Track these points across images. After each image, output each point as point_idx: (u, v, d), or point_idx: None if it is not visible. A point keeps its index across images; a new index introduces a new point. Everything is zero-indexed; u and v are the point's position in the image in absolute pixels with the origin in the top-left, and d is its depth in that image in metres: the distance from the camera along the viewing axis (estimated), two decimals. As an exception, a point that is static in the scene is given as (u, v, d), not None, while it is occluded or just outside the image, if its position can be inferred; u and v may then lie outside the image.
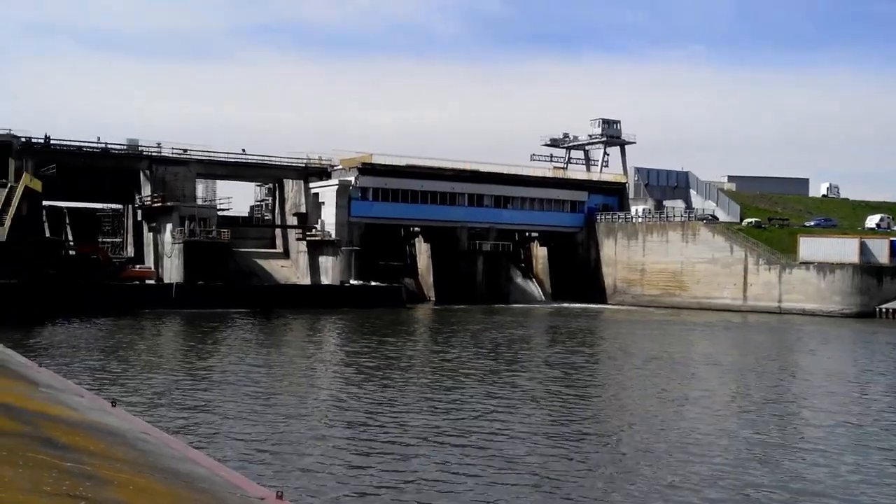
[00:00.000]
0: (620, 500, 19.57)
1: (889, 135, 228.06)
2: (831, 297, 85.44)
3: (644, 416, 29.68)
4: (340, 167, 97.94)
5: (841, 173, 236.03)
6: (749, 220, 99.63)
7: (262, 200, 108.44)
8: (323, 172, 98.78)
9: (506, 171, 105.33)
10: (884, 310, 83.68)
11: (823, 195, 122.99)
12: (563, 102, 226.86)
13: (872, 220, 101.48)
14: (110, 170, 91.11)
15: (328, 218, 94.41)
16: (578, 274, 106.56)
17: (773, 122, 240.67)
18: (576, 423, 28.03)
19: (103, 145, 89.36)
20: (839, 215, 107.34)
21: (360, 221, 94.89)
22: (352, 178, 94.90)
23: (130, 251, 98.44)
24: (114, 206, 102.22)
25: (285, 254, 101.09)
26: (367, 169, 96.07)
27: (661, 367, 43.43)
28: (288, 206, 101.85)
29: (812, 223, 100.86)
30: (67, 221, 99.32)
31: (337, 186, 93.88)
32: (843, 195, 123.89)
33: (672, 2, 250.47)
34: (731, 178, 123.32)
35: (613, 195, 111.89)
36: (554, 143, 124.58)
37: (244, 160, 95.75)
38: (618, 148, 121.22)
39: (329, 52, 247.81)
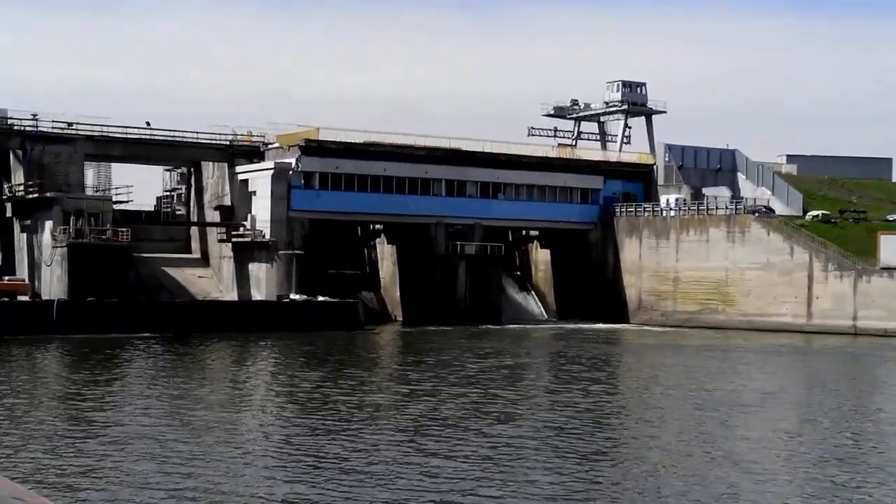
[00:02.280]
0: None
1: None
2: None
3: None
4: (277, 145, 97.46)
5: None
6: (814, 212, 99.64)
7: (174, 190, 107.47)
8: (254, 153, 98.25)
9: (496, 149, 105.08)
10: None
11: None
12: (572, 60, 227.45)
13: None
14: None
15: (261, 212, 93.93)
16: (591, 285, 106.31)
17: (847, 86, 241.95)
18: None
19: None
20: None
21: (304, 217, 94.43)
22: (292, 160, 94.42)
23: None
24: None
25: (204, 260, 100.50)
26: (313, 148, 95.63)
27: (707, 422, 42.91)
28: (207, 198, 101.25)
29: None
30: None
31: (272, 171, 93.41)
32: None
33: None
34: (790, 159, 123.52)
35: (637, 181, 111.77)
36: (559, 113, 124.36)
37: (149, 137, 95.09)
38: (642, 119, 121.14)
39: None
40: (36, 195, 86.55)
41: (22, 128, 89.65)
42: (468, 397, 45.72)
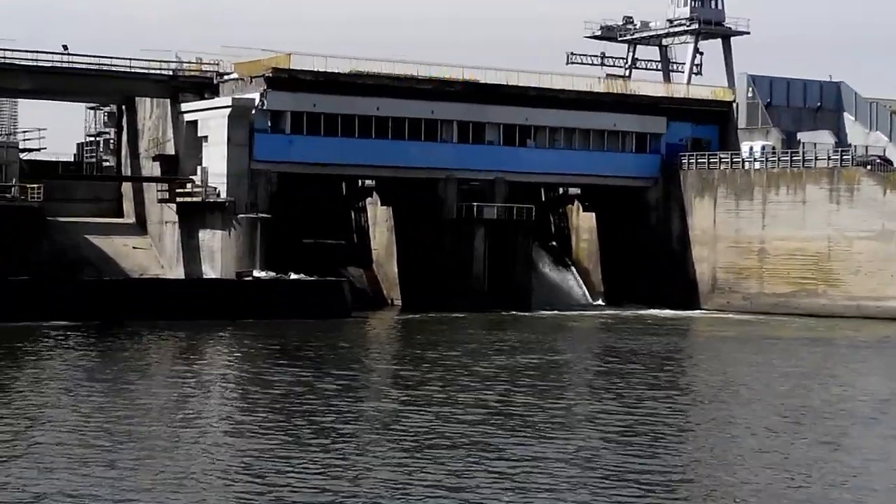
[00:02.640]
0: None
1: None
2: None
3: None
4: (235, 76, 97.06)
5: None
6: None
7: (100, 134, 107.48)
8: (205, 86, 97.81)
9: (524, 81, 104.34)
10: None
11: None
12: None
13: None
14: None
15: (214, 164, 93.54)
16: (650, 259, 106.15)
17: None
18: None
19: None
20: None
21: (271, 170, 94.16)
22: (255, 96, 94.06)
23: None
24: None
25: (140, 226, 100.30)
26: (283, 79, 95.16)
27: (803, 441, 42.69)
28: (144, 145, 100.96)
29: None
30: None
31: (229, 110, 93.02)
32: None
33: None
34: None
35: (711, 123, 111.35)
36: (608, 35, 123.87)
37: (67, 65, 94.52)
38: (718, 42, 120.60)
39: None
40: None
41: None
42: (484, 406, 45.34)
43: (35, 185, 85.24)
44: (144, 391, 49.25)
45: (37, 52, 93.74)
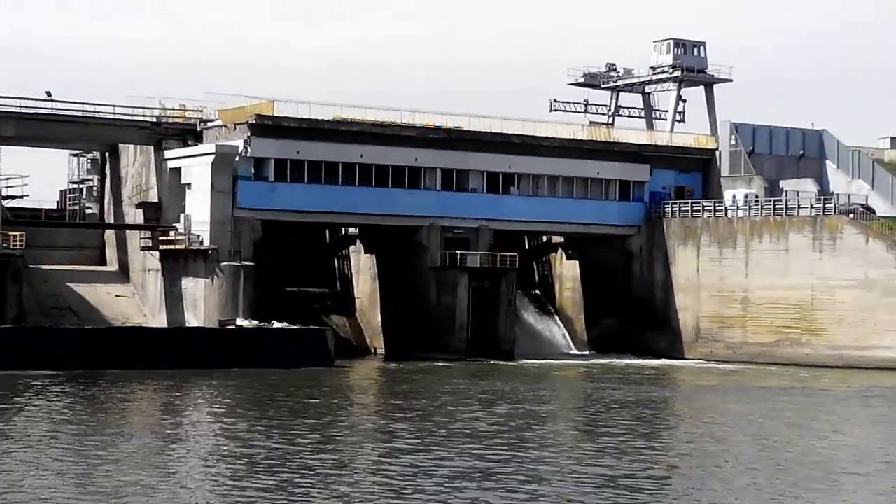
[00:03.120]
0: None
1: None
2: None
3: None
4: (219, 123, 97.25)
5: None
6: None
7: (83, 181, 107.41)
8: (188, 132, 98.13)
9: (507, 128, 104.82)
10: None
11: None
12: (608, 12, 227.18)
13: None
14: None
15: (197, 211, 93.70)
16: (633, 307, 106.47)
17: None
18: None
19: None
20: None
21: (254, 217, 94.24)
22: (239, 143, 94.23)
23: None
24: None
25: (123, 274, 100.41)
26: (267, 126, 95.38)
27: (789, 494, 42.20)
28: (127, 192, 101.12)
29: None
30: None
31: (213, 157, 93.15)
32: None
33: None
34: (895, 143, 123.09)
35: (694, 171, 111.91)
36: (591, 82, 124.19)
37: (51, 112, 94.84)
38: (701, 89, 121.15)
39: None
40: None
41: None
42: (465, 458, 45.06)
43: (17, 233, 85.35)
44: (125, 443, 48.71)
45: (20, 98, 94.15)
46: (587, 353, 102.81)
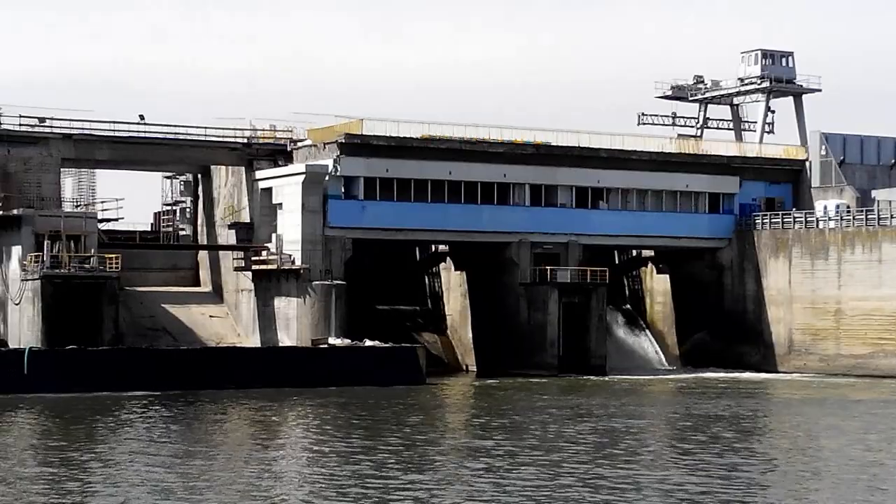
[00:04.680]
0: None
1: None
2: None
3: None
4: (309, 143, 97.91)
5: None
6: None
7: (176, 203, 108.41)
8: (279, 152, 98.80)
9: (596, 142, 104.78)
10: None
11: None
12: (694, 25, 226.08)
13: None
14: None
15: (289, 231, 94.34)
16: (725, 320, 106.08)
17: None
18: None
19: None
20: None
21: (345, 236, 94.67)
22: (328, 162, 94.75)
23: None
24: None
25: (216, 294, 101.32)
26: (356, 145, 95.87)
27: None
28: (219, 213, 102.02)
29: None
30: None
31: (303, 177, 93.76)
32: None
33: None
34: None
35: (784, 181, 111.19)
36: (679, 95, 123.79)
37: (144, 135, 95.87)
38: (790, 100, 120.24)
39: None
40: (0, 213, 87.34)
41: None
42: (558, 473, 45.26)
43: (113, 255, 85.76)
44: (222, 462, 49.47)
45: (114, 122, 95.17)
46: (679, 367, 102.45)
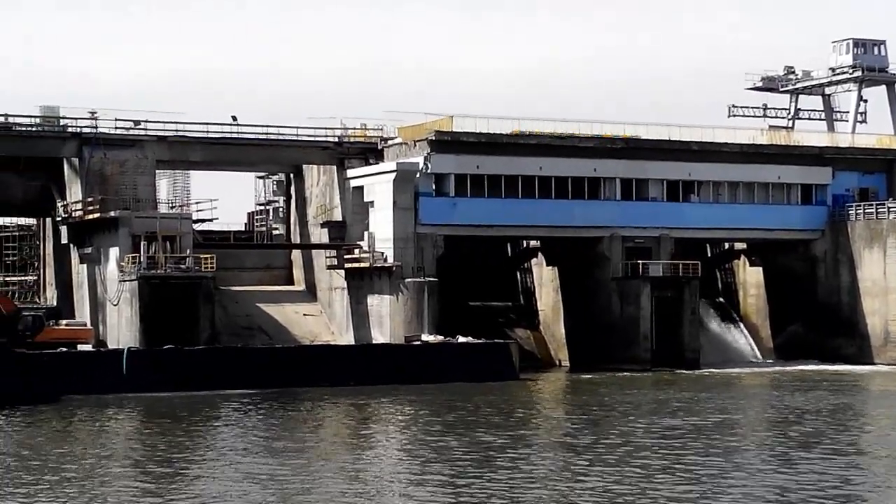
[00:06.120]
0: None
1: None
2: None
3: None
4: (399, 141, 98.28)
5: None
6: None
7: (269, 203, 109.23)
8: (369, 151, 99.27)
9: (686, 135, 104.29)
10: None
11: None
12: (784, 14, 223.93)
13: None
14: (13, 160, 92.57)
15: (381, 229, 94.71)
16: (819, 312, 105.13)
17: None
18: None
19: (1, 118, 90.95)
20: None
21: (436, 233, 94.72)
22: (419, 160, 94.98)
23: (51, 295, 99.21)
24: (22, 220, 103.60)
25: (310, 293, 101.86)
26: (446, 142, 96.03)
27: None
28: (312, 211, 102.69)
29: None
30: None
31: (394, 174, 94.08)
32: None
33: None
34: None
35: (878, 171, 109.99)
36: (769, 86, 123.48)
37: (236, 136, 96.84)
38: (883, 89, 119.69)
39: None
40: (97, 215, 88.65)
41: (78, 130, 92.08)
42: (656, 469, 45.31)
43: (208, 255, 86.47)
44: (322, 456, 49.95)
45: (207, 123, 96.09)
46: (773, 360, 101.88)
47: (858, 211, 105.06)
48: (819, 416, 63.92)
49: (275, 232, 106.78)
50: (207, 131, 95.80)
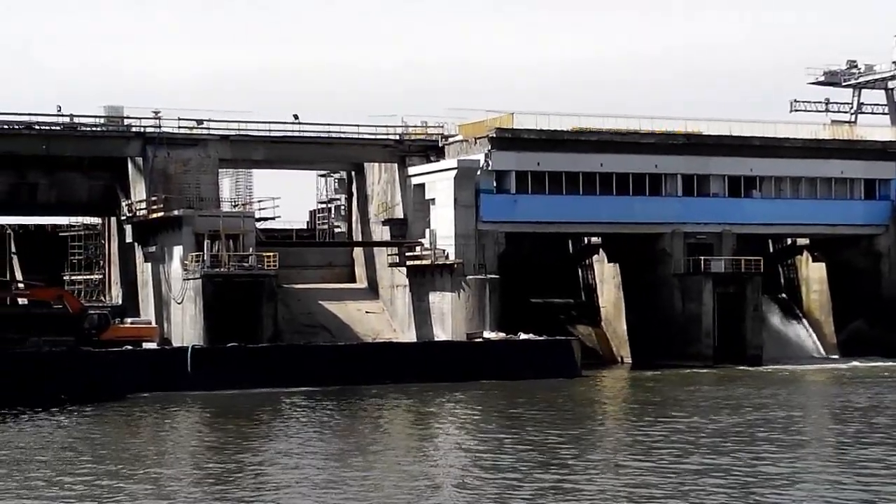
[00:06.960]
0: None
1: None
2: None
3: None
4: (460, 138, 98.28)
5: None
6: None
7: (331, 201, 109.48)
8: (430, 148, 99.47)
9: (748, 130, 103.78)
10: None
11: None
12: (846, 9, 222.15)
13: None
14: (78, 160, 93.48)
15: (442, 226, 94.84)
16: (883, 308, 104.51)
17: None
18: None
19: (66, 118, 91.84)
20: None
21: (497, 230, 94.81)
22: (480, 157, 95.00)
23: (117, 293, 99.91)
24: (87, 219, 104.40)
25: (372, 290, 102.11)
26: (507, 139, 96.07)
27: None
28: (373, 209, 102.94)
29: None
30: (12, 248, 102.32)
31: (455, 171, 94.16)
32: None
33: None
34: None
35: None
36: (832, 80, 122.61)
37: (298, 135, 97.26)
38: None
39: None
40: (161, 214, 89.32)
41: (142, 129, 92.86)
42: (720, 468, 45.07)
43: (271, 254, 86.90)
44: (387, 452, 49.95)
45: (269, 122, 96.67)
46: (836, 356, 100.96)
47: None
48: (884, 413, 63.28)
49: (336, 230, 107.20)
50: (270, 130, 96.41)
